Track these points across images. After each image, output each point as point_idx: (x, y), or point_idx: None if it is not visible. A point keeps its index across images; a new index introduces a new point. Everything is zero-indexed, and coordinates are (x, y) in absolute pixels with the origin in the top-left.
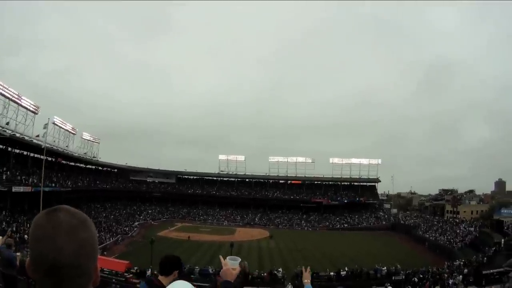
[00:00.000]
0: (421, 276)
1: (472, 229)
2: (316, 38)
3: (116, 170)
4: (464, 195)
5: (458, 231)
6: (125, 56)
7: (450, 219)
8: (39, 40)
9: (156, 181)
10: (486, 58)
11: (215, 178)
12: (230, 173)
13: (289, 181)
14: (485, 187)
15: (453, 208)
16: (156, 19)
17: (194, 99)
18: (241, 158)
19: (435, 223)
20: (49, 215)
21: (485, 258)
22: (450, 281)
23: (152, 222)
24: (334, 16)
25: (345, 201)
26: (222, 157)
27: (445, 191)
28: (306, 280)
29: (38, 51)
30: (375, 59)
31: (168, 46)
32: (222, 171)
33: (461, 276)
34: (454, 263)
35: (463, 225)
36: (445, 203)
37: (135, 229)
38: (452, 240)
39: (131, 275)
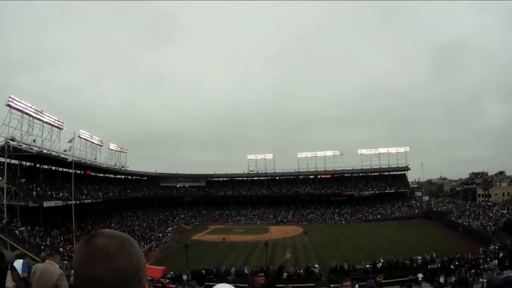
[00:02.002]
0: (457, 263)
1: (505, 211)
2: (324, 33)
3: (145, 177)
4: (495, 177)
5: (491, 214)
6: (138, 66)
7: (482, 203)
8: (55, 57)
9: (187, 185)
10: (495, 34)
11: (245, 178)
12: (260, 172)
13: (319, 176)
14: None
15: (485, 192)
16: (164, 27)
17: (209, 102)
18: (269, 156)
19: (468, 208)
20: (87, 243)
21: None
22: (486, 266)
23: (186, 227)
24: (336, 9)
25: (376, 191)
26: (250, 156)
27: (475, 174)
28: None
29: (54, 67)
30: (384, 46)
31: (178, 52)
32: (251, 170)
33: (496, 261)
34: (489, 247)
35: (496, 208)
36: (476, 186)
37: (168, 234)
38: (485, 224)
39: (167, 280)
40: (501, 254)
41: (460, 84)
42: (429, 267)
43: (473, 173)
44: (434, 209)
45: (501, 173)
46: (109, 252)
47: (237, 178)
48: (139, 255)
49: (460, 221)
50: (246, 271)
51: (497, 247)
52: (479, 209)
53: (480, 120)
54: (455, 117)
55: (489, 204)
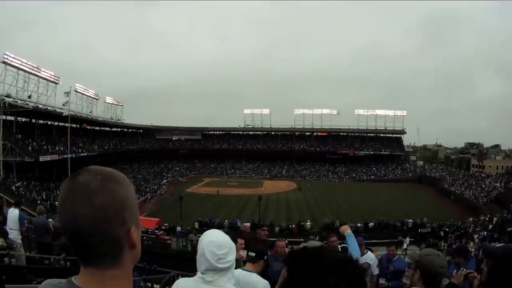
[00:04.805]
0: (447, 229)
1: (498, 184)
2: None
3: (141, 130)
4: (490, 150)
5: (483, 185)
6: (132, 27)
7: (476, 173)
8: (51, 19)
9: (182, 138)
10: (489, 8)
11: (241, 133)
12: (256, 126)
13: (315, 133)
14: (510, 142)
15: (479, 162)
16: None
17: (201, 59)
18: (266, 111)
19: (461, 176)
20: (70, 180)
21: (510, 214)
22: (475, 236)
23: (180, 179)
24: None
25: (371, 152)
26: (247, 111)
27: (471, 145)
28: (348, 230)
29: (50, 28)
30: (378, 14)
31: (171, 13)
32: (247, 125)
33: (485, 232)
34: (480, 218)
35: (489, 180)
36: (471, 156)
37: (163, 187)
38: (477, 195)
39: (161, 232)
40: (490, 226)
41: (449, 58)
42: (419, 230)
43: (468, 143)
44: (427, 174)
45: (497, 146)
46: (90, 189)
47: (233, 132)
48: (125, 193)
49: (453, 189)
50: (238, 224)
51: (487, 218)
52: (472, 179)
53: (479, 93)
54: (454, 89)
55: (483, 175)
